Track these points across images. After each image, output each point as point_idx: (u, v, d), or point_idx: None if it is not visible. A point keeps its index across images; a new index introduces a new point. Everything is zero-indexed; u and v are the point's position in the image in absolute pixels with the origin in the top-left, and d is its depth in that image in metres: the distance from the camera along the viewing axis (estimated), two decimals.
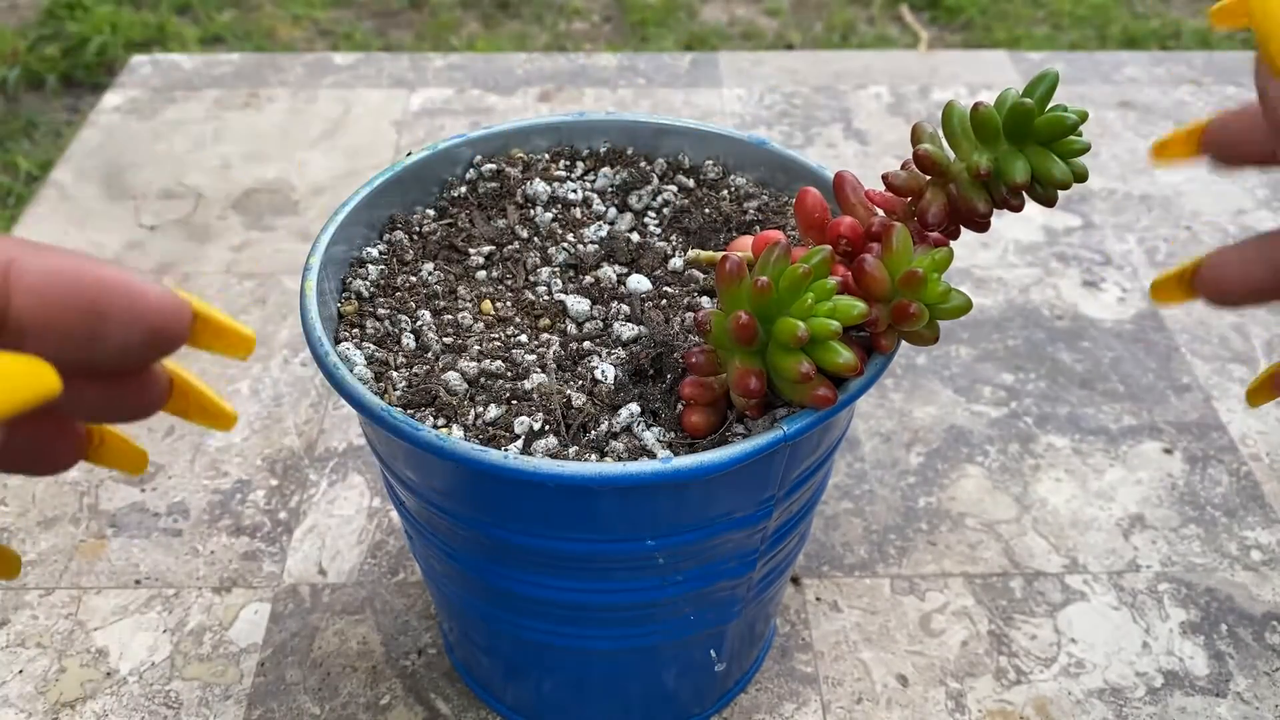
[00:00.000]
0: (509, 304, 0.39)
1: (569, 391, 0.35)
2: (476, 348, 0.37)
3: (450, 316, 0.38)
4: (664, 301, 0.39)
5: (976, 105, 0.33)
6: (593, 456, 0.33)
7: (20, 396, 0.18)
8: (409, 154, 0.43)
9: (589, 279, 0.40)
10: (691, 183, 0.44)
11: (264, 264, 0.70)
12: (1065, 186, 0.32)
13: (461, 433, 0.34)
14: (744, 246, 0.37)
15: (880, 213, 0.35)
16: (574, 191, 0.44)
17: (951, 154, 0.34)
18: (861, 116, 0.85)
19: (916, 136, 0.34)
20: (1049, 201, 0.33)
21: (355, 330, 0.38)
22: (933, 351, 0.64)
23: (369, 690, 0.46)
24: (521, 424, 0.34)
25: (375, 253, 0.41)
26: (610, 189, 0.44)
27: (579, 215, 0.43)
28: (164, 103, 0.86)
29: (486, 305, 0.39)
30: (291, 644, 0.48)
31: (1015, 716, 0.46)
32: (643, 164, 0.45)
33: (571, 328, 0.38)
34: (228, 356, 0.23)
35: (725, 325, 0.32)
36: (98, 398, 0.22)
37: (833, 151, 0.81)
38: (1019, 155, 0.32)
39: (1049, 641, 0.49)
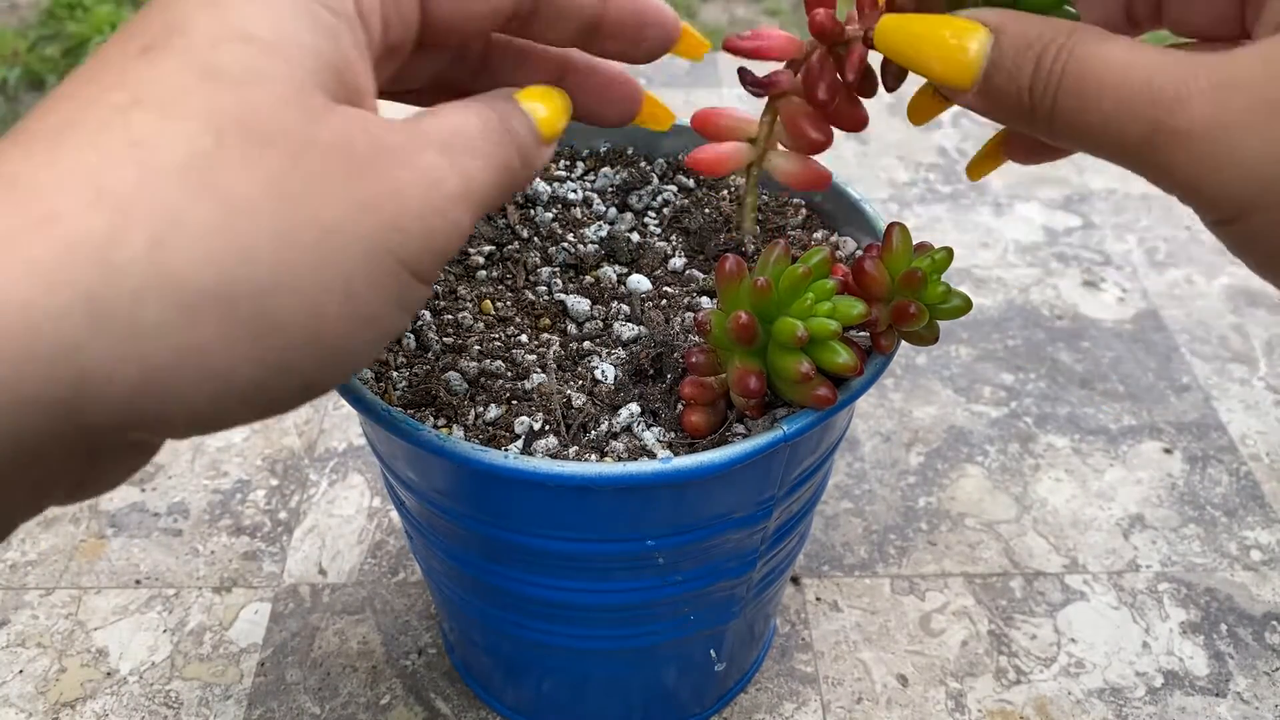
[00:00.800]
0: (509, 304, 0.39)
1: (569, 391, 0.35)
2: (477, 347, 0.37)
3: (450, 316, 0.38)
4: (664, 301, 0.39)
5: None
6: (593, 456, 0.33)
7: (564, 122, 0.29)
8: None
9: (589, 279, 0.40)
10: (691, 183, 0.44)
11: None
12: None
13: (462, 433, 0.34)
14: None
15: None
16: (574, 191, 0.44)
17: None
18: None
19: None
20: None
21: None
22: (933, 351, 0.64)
23: (369, 690, 0.46)
24: (522, 424, 0.34)
25: None
26: (610, 189, 0.44)
27: (579, 215, 0.43)
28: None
29: (487, 305, 0.39)
30: (291, 644, 0.48)
31: (1015, 716, 0.46)
32: (643, 164, 0.45)
33: (571, 328, 0.38)
34: (684, 58, 0.33)
35: (725, 325, 0.32)
36: (612, 92, 0.34)
37: (833, 152, 0.81)
38: None
39: (1049, 641, 0.49)
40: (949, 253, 0.33)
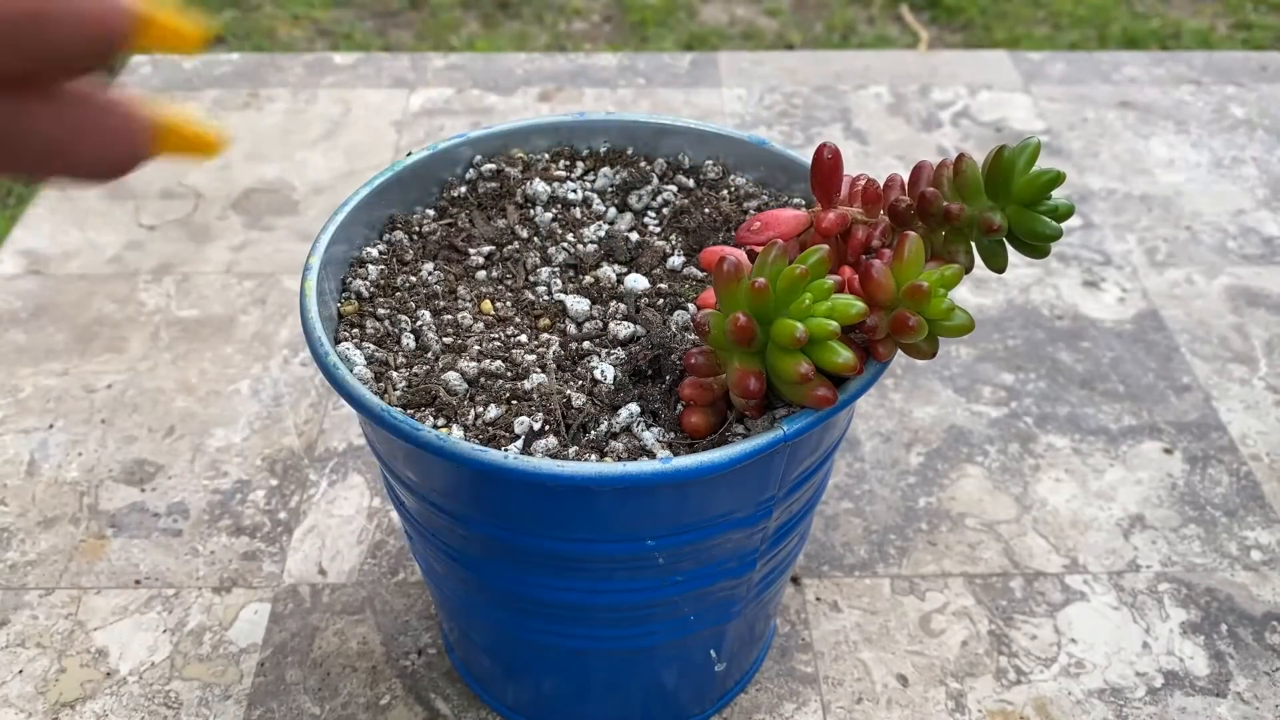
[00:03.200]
0: (509, 304, 0.39)
1: (569, 391, 0.35)
2: (476, 348, 0.37)
3: (450, 316, 0.38)
4: (660, 300, 0.39)
5: (960, 157, 0.33)
6: (593, 456, 0.33)
7: None
8: (409, 154, 0.43)
9: (589, 279, 0.40)
10: (691, 183, 0.44)
11: (264, 264, 0.70)
12: (1047, 240, 0.33)
13: (461, 433, 0.34)
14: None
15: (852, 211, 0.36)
16: (574, 191, 0.44)
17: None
18: (862, 117, 0.85)
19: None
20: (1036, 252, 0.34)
21: (355, 330, 0.38)
22: None
23: (369, 690, 0.46)
24: (521, 424, 0.34)
25: (375, 253, 0.41)
26: (610, 189, 0.44)
27: (579, 215, 0.43)
28: (164, 103, 0.86)
29: (486, 305, 0.39)
30: (291, 644, 0.48)
31: (1015, 716, 0.46)
32: (643, 164, 0.45)
33: (571, 327, 0.38)
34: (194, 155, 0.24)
35: (724, 327, 0.32)
36: (62, 126, 0.22)
37: None
38: (998, 210, 0.33)
39: (1049, 641, 0.49)
40: (959, 272, 0.33)
